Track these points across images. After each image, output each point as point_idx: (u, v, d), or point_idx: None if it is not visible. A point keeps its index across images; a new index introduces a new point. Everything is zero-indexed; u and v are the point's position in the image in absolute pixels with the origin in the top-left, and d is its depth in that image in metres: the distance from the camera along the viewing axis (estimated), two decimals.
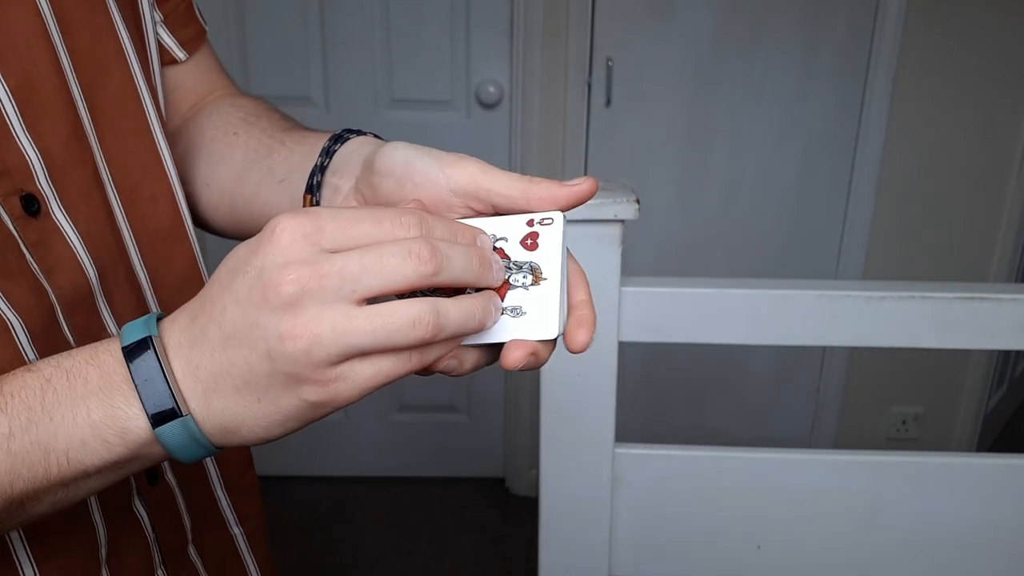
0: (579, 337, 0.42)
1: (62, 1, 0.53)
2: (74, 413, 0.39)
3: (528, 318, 0.41)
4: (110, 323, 0.56)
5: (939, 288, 0.95)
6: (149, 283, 0.60)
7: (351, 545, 2.32)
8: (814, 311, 0.96)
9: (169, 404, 0.39)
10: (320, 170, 0.52)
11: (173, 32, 0.65)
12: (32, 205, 0.50)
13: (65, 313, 0.52)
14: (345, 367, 0.37)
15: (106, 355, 0.40)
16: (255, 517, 0.71)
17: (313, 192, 0.51)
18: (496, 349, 0.42)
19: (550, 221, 0.43)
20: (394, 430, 2.51)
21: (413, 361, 0.39)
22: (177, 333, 0.40)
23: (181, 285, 0.62)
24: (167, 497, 0.63)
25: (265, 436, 0.40)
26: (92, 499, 0.55)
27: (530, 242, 0.43)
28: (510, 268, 0.42)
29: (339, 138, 0.53)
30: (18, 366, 0.43)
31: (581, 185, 0.43)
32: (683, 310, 0.97)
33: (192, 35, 0.66)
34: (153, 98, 0.59)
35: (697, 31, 2.08)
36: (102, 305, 0.55)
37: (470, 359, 0.42)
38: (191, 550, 0.66)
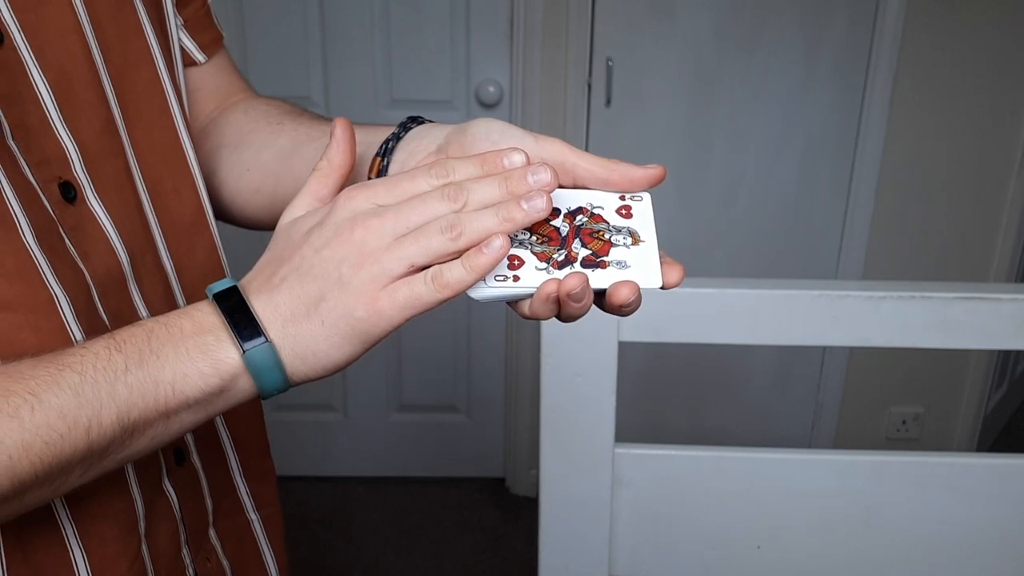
0: (674, 275, 0.50)
1: (94, 1, 0.55)
2: (176, 352, 0.46)
3: (633, 271, 0.49)
4: (140, 307, 0.59)
5: (939, 288, 0.95)
6: (174, 271, 0.63)
7: (351, 545, 2.32)
8: (814, 311, 0.96)
9: (255, 332, 0.46)
10: (395, 138, 0.58)
11: (193, 36, 0.68)
12: (69, 192, 0.54)
13: (100, 295, 0.55)
14: (391, 287, 0.45)
15: (194, 311, 0.48)
16: (271, 505, 0.74)
17: (384, 155, 0.58)
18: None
19: (640, 198, 0.53)
20: (394, 430, 2.51)
21: (435, 283, 0.46)
22: (256, 286, 0.48)
23: (204, 274, 0.65)
24: (192, 478, 0.65)
25: (327, 360, 0.47)
26: (130, 473, 0.57)
27: (624, 212, 0.52)
28: (610, 231, 0.51)
29: (415, 119, 0.60)
30: (62, 338, 0.51)
31: (654, 170, 0.51)
32: (683, 310, 0.97)
33: (210, 39, 0.70)
34: (177, 95, 0.62)
35: (697, 31, 2.08)
36: (133, 289, 0.58)
37: (589, 296, 0.48)
38: (212, 533, 0.68)
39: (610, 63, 2.09)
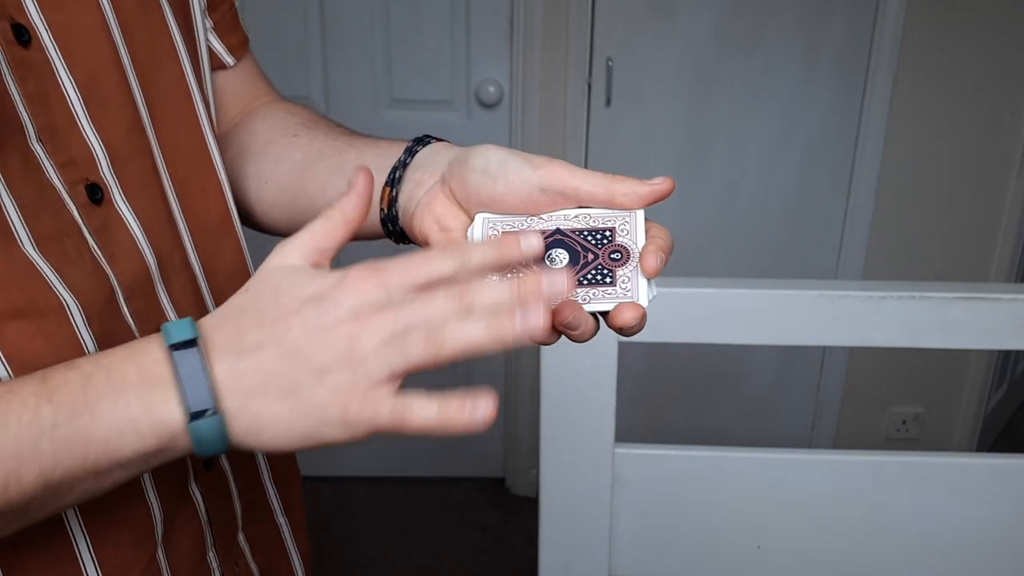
0: (650, 261, 0.48)
1: (122, 0, 0.55)
2: (114, 406, 0.42)
3: (621, 289, 0.48)
4: (168, 308, 0.58)
5: (939, 288, 0.95)
6: (202, 273, 0.62)
7: (351, 545, 2.32)
8: (814, 311, 0.96)
9: (207, 401, 0.42)
10: (403, 166, 0.57)
11: (222, 38, 0.68)
12: (96, 194, 0.53)
13: (126, 297, 0.54)
14: (364, 399, 0.42)
15: (143, 355, 0.44)
16: (297, 509, 0.74)
17: (393, 185, 0.57)
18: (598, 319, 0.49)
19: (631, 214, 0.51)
20: None
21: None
22: (223, 341, 0.43)
23: (231, 275, 0.64)
24: (221, 483, 0.64)
25: (282, 444, 0.44)
26: (147, 479, 0.57)
27: (621, 226, 0.51)
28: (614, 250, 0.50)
29: (421, 141, 0.58)
30: (73, 346, 0.49)
31: (661, 185, 0.49)
32: (683, 310, 0.97)
33: (238, 42, 0.70)
34: (202, 96, 0.62)
35: (697, 31, 2.08)
36: (161, 291, 0.58)
37: (589, 324, 0.47)
38: (241, 537, 0.67)
39: (610, 63, 2.09)
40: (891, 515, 1.04)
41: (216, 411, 0.42)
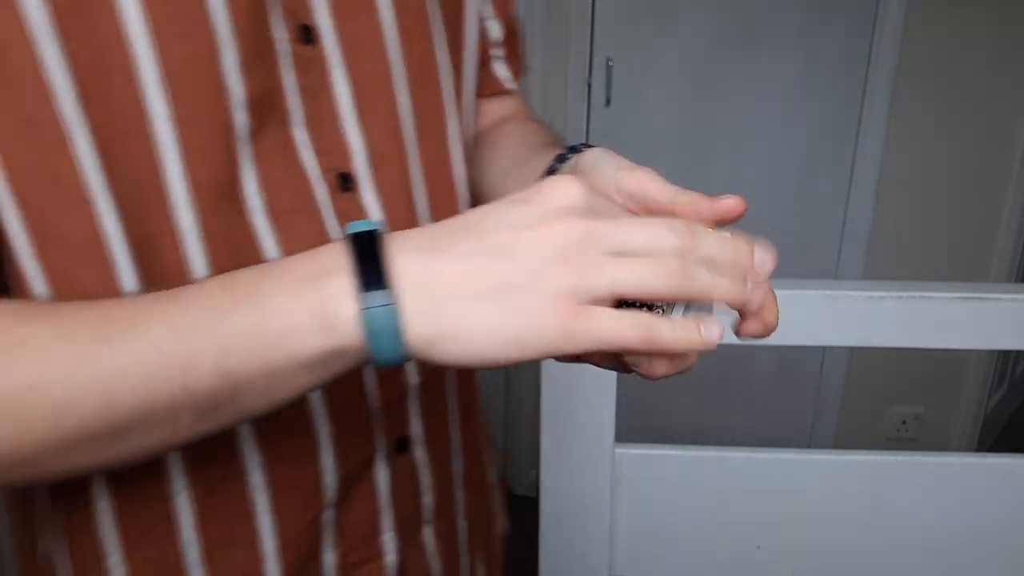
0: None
1: (404, 17, 0.57)
2: (284, 298, 0.40)
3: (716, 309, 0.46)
4: None
5: (939, 288, 0.95)
6: None
7: None
8: (814, 311, 0.96)
9: (384, 296, 0.39)
10: (549, 172, 0.57)
11: (509, 65, 0.71)
12: (347, 182, 0.55)
13: None
14: (590, 310, 0.39)
15: (325, 251, 0.41)
16: (487, 515, 0.73)
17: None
18: None
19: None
20: None
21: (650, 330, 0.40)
22: (415, 242, 0.40)
23: None
24: (411, 470, 0.64)
25: (483, 352, 0.40)
26: (327, 444, 0.57)
27: None
28: None
29: (574, 148, 0.58)
30: None
31: (728, 202, 0.47)
32: None
33: (519, 68, 0.73)
34: (457, 117, 0.63)
35: (697, 31, 2.08)
36: None
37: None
38: (425, 531, 0.66)
39: (610, 63, 2.09)
40: (891, 515, 1.04)
41: (394, 304, 0.39)
